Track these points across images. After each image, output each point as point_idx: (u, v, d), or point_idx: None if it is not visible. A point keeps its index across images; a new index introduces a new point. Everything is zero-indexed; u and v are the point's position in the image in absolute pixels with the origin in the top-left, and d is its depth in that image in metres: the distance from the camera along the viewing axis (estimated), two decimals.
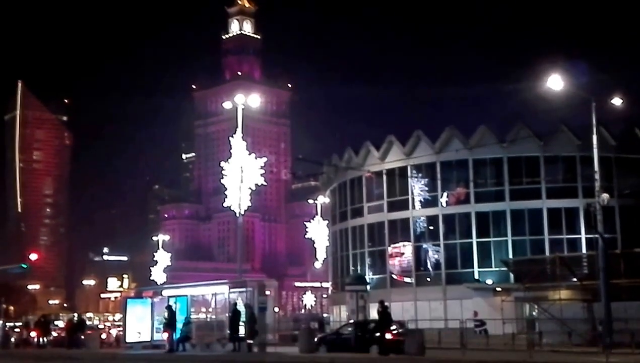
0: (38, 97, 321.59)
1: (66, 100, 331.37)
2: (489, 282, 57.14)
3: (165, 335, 35.53)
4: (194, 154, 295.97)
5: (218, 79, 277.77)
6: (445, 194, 60.65)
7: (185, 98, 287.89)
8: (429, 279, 60.92)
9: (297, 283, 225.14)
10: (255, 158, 43.62)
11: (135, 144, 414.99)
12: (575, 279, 40.94)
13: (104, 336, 54.82)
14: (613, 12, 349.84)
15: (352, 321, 40.76)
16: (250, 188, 43.07)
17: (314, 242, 72.53)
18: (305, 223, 76.46)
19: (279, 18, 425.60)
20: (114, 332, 57.93)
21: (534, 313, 43.79)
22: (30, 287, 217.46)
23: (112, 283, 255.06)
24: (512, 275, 51.85)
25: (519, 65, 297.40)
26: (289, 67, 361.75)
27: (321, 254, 72.44)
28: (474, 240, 59.09)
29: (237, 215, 43.25)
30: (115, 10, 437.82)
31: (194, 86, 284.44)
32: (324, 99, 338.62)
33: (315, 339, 33.96)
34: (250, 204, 43.84)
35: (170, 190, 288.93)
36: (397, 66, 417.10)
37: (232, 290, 35.64)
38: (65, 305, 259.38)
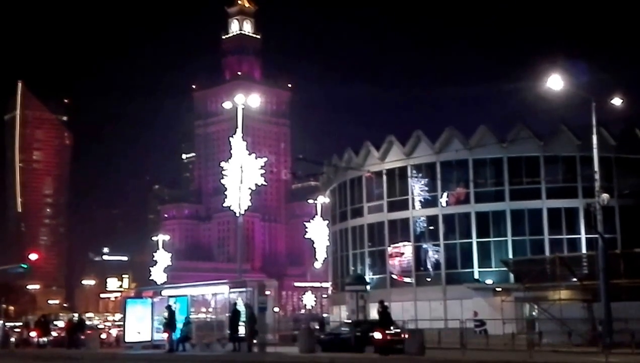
0: (38, 97, 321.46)
1: (66, 100, 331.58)
2: (489, 282, 57.15)
3: (165, 335, 35.55)
4: (194, 154, 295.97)
5: (218, 79, 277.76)
6: (445, 194, 60.66)
7: (185, 98, 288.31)
8: (429, 279, 60.93)
9: (297, 283, 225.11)
10: (255, 158, 43.65)
11: (136, 143, 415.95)
12: (575, 279, 40.92)
13: (104, 336, 54.74)
14: (613, 12, 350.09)
15: (346, 321, 40.83)
16: (250, 188, 43.09)
17: (313, 242, 72.50)
18: (305, 223, 76.41)
19: (279, 18, 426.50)
20: (114, 332, 57.83)
21: (534, 313, 43.78)
22: (30, 287, 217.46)
23: (112, 283, 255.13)
24: (512, 275, 51.83)
25: (519, 65, 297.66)
26: (289, 67, 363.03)
27: (321, 254, 72.40)
28: (474, 240, 59.11)
29: (237, 215, 43.27)
30: (115, 10, 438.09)
31: (194, 86, 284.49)
32: (324, 99, 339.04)
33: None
34: (250, 204, 43.88)
35: (170, 190, 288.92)
36: (397, 66, 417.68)
37: (232, 290, 35.66)
38: (65, 305, 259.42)
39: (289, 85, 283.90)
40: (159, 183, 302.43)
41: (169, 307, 35.72)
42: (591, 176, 35.53)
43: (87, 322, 69.11)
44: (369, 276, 61.04)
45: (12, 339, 53.13)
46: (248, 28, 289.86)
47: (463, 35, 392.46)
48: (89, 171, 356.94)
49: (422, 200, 61.47)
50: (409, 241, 61.93)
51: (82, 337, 44.74)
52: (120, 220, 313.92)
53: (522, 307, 47.87)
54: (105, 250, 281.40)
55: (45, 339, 47.43)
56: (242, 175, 42.56)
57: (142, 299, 40.34)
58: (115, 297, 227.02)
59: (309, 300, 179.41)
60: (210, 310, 38.00)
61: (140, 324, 38.57)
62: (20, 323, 75.74)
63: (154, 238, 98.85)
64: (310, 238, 73.27)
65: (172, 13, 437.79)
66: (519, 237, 57.91)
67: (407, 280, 61.96)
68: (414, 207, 61.74)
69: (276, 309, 76.33)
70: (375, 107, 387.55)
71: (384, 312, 31.43)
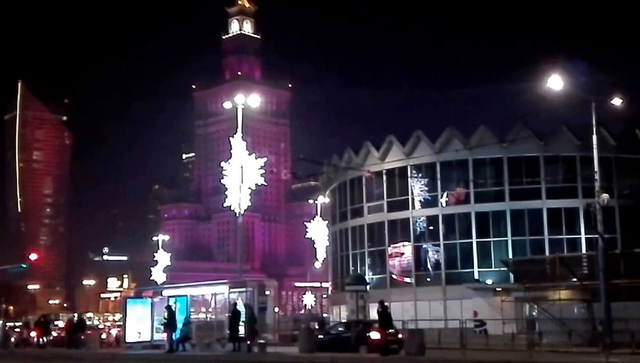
0: (38, 97, 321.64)
1: (66, 100, 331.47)
2: (489, 282, 57.17)
3: (165, 335, 35.56)
4: (194, 154, 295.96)
5: (218, 79, 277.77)
6: (445, 194, 60.68)
7: (185, 98, 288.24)
8: (428, 279, 60.93)
9: (297, 284, 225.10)
10: (255, 158, 43.64)
11: (136, 143, 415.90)
12: (575, 279, 40.91)
13: (104, 336, 54.70)
14: (613, 12, 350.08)
15: (342, 321, 40.83)
16: (250, 188, 43.08)
17: (313, 242, 72.57)
18: (305, 223, 76.49)
19: (279, 18, 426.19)
20: (114, 332, 57.84)
21: (534, 313, 43.75)
22: (30, 287, 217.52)
23: (112, 283, 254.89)
24: (512, 275, 51.83)
25: (519, 65, 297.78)
26: (289, 67, 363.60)
27: (321, 254, 72.46)
28: (474, 240, 59.12)
29: (237, 215, 43.27)
30: (115, 10, 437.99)
31: (194, 86, 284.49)
32: (324, 99, 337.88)
33: None
34: (250, 204, 43.86)
35: (170, 190, 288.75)
36: (397, 66, 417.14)
37: (232, 290, 35.69)
38: (65, 305, 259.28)
39: (289, 85, 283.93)
40: (159, 183, 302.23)
41: (169, 307, 35.73)
42: (591, 176, 35.53)
43: (87, 322, 69.13)
44: (369, 276, 61.04)
45: (12, 339, 53.15)
46: (248, 28, 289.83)
47: (463, 35, 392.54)
48: (89, 171, 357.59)
49: (422, 200, 61.47)
50: (409, 241, 61.93)
51: (82, 337, 44.74)
52: (120, 220, 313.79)
53: (522, 307, 47.86)
54: (105, 250, 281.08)
55: (45, 339, 47.40)
56: (242, 175, 42.55)
57: (142, 299, 40.35)
58: (115, 297, 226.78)
59: (309, 300, 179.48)
60: (210, 310, 38.02)
61: (140, 324, 38.60)
62: (20, 323, 75.77)
63: (154, 238, 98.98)
64: (310, 238, 73.35)
65: (172, 13, 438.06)
66: (519, 237, 57.91)
67: (407, 280, 61.97)
68: (414, 207, 61.74)
69: (276, 309, 76.27)
70: (375, 107, 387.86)
71: (384, 312, 31.46)
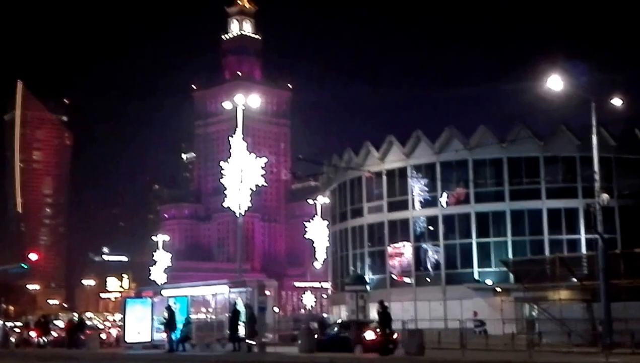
0: (38, 97, 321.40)
1: (66, 100, 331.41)
2: (489, 282, 57.18)
3: (165, 335, 35.58)
4: (194, 154, 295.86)
5: (218, 79, 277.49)
6: (445, 194, 60.69)
7: (185, 98, 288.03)
8: (428, 279, 60.95)
9: (297, 284, 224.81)
10: (255, 158, 43.62)
11: (136, 143, 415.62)
12: (575, 279, 40.96)
13: (104, 336, 54.74)
14: (613, 12, 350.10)
15: (339, 322, 40.85)
16: (250, 188, 43.07)
17: (313, 242, 72.57)
18: (305, 223, 76.47)
19: (279, 18, 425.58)
20: (114, 332, 57.84)
21: (533, 313, 43.78)
22: (30, 287, 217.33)
23: (112, 283, 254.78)
24: (512, 276, 51.86)
25: (519, 65, 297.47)
26: (289, 67, 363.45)
27: (321, 254, 72.46)
28: (474, 240, 59.14)
29: (237, 215, 43.27)
30: (115, 10, 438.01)
31: (194, 86, 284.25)
32: (324, 99, 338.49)
33: None
34: (250, 204, 43.82)
35: (170, 190, 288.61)
36: (397, 66, 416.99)
37: (232, 290, 35.72)
38: (65, 305, 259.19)
39: (289, 86, 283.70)
40: (158, 183, 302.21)
41: (169, 307, 35.75)
42: (591, 176, 35.54)
43: (87, 322, 69.12)
44: (368, 276, 61.04)
45: (12, 339, 53.20)
46: (248, 28, 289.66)
47: (463, 35, 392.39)
48: (89, 171, 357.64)
49: (422, 200, 61.48)
50: (408, 241, 61.95)
51: (82, 337, 44.75)
52: (120, 220, 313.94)
53: (522, 307, 47.86)
54: (105, 250, 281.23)
55: (45, 339, 47.46)
56: (242, 175, 42.55)
57: (142, 299, 40.40)
58: (115, 297, 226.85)
59: (309, 300, 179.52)
60: (210, 310, 38.04)
61: (140, 324, 38.61)
62: (20, 323, 75.82)
63: (154, 238, 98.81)
64: (310, 239, 73.34)
65: (172, 13, 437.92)
66: (519, 237, 57.93)
67: (407, 280, 61.98)
68: (413, 207, 61.76)
69: (276, 309, 76.34)
70: (375, 107, 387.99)
71: (383, 312, 31.51)
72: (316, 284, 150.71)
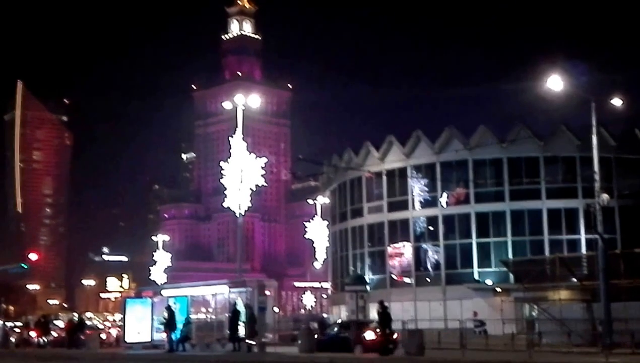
0: (38, 97, 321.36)
1: (66, 100, 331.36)
2: (489, 282, 57.18)
3: (165, 335, 35.58)
4: (194, 154, 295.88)
5: (218, 79, 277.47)
6: (445, 195, 60.69)
7: (185, 98, 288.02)
8: (428, 279, 60.95)
9: (297, 284, 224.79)
10: (255, 158, 43.62)
11: (136, 143, 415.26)
12: (575, 279, 40.95)
13: (104, 336, 54.74)
14: (613, 12, 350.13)
15: (338, 322, 40.85)
16: (250, 188, 43.07)
17: (313, 242, 72.57)
18: (305, 223, 76.47)
19: (279, 18, 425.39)
20: (114, 332, 57.85)
21: (533, 313, 43.78)
22: (30, 287, 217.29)
23: (112, 283, 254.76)
24: (512, 276, 51.85)
25: (519, 65, 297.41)
26: (289, 67, 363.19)
27: (321, 254, 72.46)
28: (474, 240, 59.15)
29: (237, 215, 43.27)
30: (115, 10, 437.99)
31: (194, 86, 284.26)
32: (324, 99, 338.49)
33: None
34: (250, 204, 43.83)
35: (170, 190, 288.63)
36: (397, 66, 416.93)
37: (232, 290, 35.73)
38: (65, 305, 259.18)
39: (289, 86, 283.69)
40: (158, 183, 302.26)
41: (168, 307, 35.75)
42: (591, 176, 35.53)
43: (87, 322, 69.13)
44: (368, 276, 61.04)
45: (12, 339, 53.19)
46: (248, 28, 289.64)
47: (463, 35, 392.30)
48: (89, 171, 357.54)
49: (422, 200, 61.48)
50: (408, 241, 61.95)
51: (82, 337, 44.75)
52: (120, 220, 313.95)
53: (522, 307, 47.86)
54: (105, 250, 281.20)
55: (45, 339, 47.44)
56: (242, 175, 42.54)
57: (142, 299, 40.40)
58: (115, 297, 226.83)
59: (308, 300, 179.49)
60: (210, 310, 38.04)
61: (140, 324, 38.61)
62: (20, 323, 75.80)
63: (154, 238, 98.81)
64: (310, 239, 73.33)
65: (172, 13, 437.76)
66: (519, 237, 57.93)
67: (407, 280, 61.99)
68: (413, 208, 61.76)
69: (276, 309, 76.37)
70: (375, 107, 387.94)
71: (383, 312, 31.52)
72: (316, 284, 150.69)
